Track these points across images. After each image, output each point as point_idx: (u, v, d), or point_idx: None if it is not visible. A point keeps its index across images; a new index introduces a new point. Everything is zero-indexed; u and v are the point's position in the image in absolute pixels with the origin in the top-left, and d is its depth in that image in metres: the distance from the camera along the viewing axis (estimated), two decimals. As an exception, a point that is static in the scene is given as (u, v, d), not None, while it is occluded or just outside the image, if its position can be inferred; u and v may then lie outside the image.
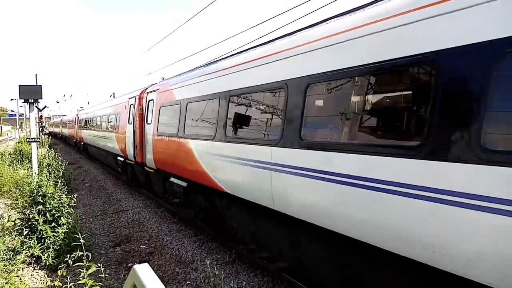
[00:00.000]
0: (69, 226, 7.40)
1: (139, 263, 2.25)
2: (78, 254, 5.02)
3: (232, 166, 5.91)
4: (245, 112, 5.90)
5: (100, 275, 4.80)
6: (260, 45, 6.21)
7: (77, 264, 4.91)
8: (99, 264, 4.75)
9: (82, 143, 26.40)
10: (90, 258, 4.91)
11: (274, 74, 5.10)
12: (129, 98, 13.08)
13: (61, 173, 13.11)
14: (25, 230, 7.01)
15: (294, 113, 4.60)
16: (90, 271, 4.64)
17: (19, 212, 8.10)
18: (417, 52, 3.23)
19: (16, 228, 7.41)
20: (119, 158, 14.62)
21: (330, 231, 4.14)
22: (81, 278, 4.55)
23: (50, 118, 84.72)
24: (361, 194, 3.63)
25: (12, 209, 10.20)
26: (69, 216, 7.72)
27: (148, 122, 10.74)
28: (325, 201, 4.13)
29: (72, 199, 8.44)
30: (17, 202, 10.46)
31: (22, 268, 6.19)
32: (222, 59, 7.60)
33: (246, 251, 6.76)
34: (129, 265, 6.61)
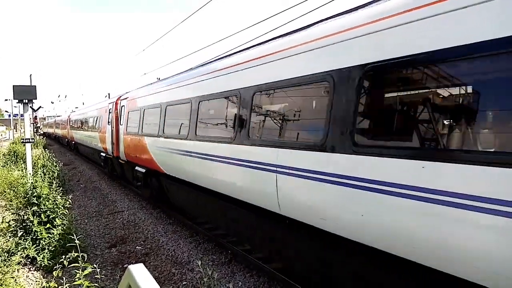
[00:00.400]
0: (64, 227, 7.37)
1: (135, 264, 2.26)
2: (74, 255, 5.01)
3: (167, 154, 8.58)
4: (171, 117, 8.72)
5: (95, 276, 4.79)
6: (166, 78, 10.37)
7: (72, 265, 4.90)
8: (94, 265, 4.74)
9: (73, 142, 29.11)
10: (85, 259, 4.90)
11: (184, 94, 8.03)
12: (109, 103, 15.42)
13: (56, 174, 13.04)
14: (20, 231, 6.98)
15: (191, 119, 7.39)
16: (85, 272, 4.64)
17: (14, 213, 8.07)
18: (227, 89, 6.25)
19: (10, 229, 7.37)
20: (101, 153, 17.04)
21: (207, 188, 6.87)
22: (76, 279, 4.55)
23: (44, 118, 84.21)
24: (213, 164, 6.36)
25: (6, 210, 10.15)
26: (64, 217, 7.69)
27: (121, 123, 13.14)
28: (200, 170, 6.95)
29: (67, 200, 8.41)
30: (12, 203, 10.40)
31: (17, 270, 6.15)
32: (164, 79, 10.81)
33: (242, 252, 6.78)
34: (125, 266, 6.60)
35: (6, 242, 6.96)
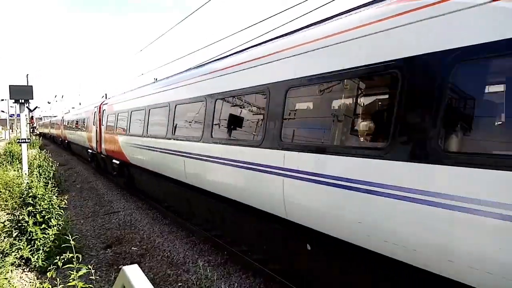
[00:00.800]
0: (60, 227, 7.32)
1: (130, 264, 2.24)
2: (68, 256, 4.97)
3: (131, 148, 11.14)
4: (135, 120, 11.18)
5: (90, 277, 4.76)
6: (132, 90, 13.35)
7: (67, 266, 4.87)
8: (89, 266, 4.71)
9: (66, 141, 31.66)
10: (80, 260, 4.87)
11: (142, 103, 10.70)
12: (94, 107, 17.81)
13: (52, 174, 12.97)
14: (15, 232, 6.92)
15: (144, 122, 10.09)
16: (80, 273, 4.60)
17: (9, 214, 8.00)
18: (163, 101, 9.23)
19: (5, 230, 7.31)
20: (89, 150, 19.42)
21: (153, 172, 9.71)
22: (71, 280, 4.51)
23: (41, 119, 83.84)
24: (155, 153, 9.20)
25: (1, 210, 10.08)
26: (59, 218, 7.64)
27: (103, 124, 15.55)
28: (149, 158, 9.74)
29: (63, 200, 8.35)
30: (7, 203, 10.33)
31: (11, 270, 6.10)
32: (130, 90, 13.64)
33: (238, 253, 6.76)
34: (120, 267, 6.56)
35: (1, 242, 6.90)
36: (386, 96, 3.84)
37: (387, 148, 3.31)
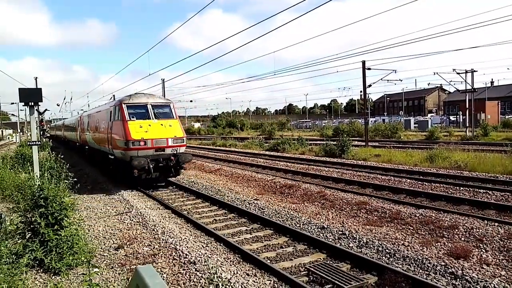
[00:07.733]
0: (72, 228, 7.35)
1: (143, 264, 2.20)
2: (81, 256, 4.97)
3: None
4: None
5: (103, 277, 4.75)
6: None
7: (80, 266, 4.86)
8: (101, 266, 4.70)
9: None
10: (93, 260, 4.87)
11: None
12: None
13: (63, 175, 13.06)
14: (28, 234, 6.96)
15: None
16: (92, 272, 4.60)
17: (21, 216, 8.05)
18: None
19: (18, 232, 7.36)
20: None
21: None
22: (84, 281, 4.51)
23: (51, 121, 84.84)
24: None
25: (13, 212, 10.15)
26: (71, 219, 7.67)
27: None
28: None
29: (74, 201, 8.39)
30: (19, 205, 10.41)
31: (26, 272, 6.13)
32: None
33: (249, 252, 6.72)
34: (132, 266, 6.55)
35: (14, 244, 6.94)
36: None
37: None
